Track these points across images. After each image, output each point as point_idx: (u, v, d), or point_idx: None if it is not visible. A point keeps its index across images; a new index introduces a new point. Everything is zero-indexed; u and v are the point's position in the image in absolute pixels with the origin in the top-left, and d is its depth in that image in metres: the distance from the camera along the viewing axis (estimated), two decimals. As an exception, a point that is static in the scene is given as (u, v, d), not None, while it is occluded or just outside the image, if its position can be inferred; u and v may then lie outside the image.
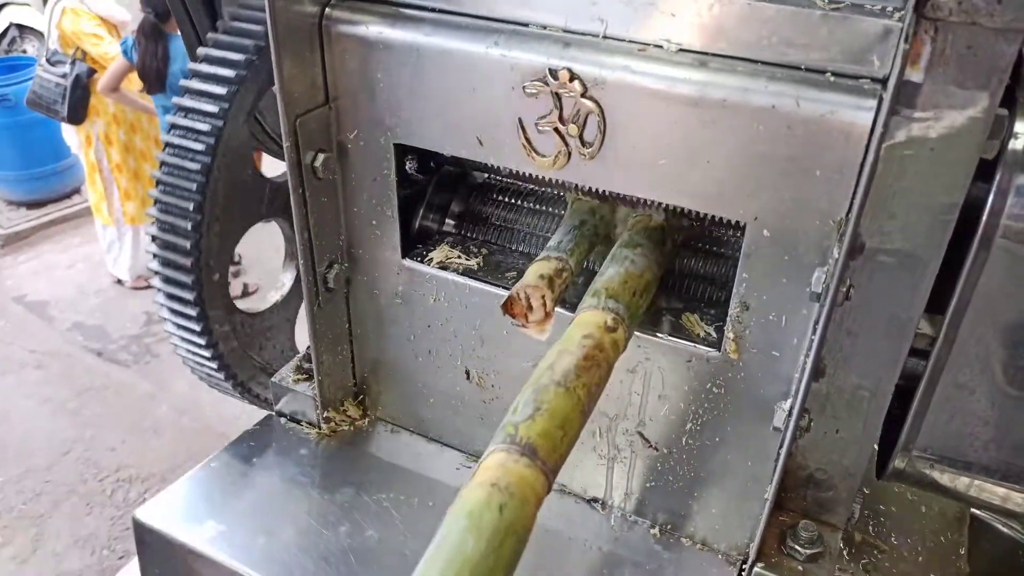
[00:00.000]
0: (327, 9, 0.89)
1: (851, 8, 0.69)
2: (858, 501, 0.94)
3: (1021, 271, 0.75)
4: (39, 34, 6.73)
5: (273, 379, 1.11)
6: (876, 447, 0.96)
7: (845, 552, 1.00)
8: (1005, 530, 1.46)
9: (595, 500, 1.03)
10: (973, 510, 1.45)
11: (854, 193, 0.71)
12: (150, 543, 0.95)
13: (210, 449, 1.07)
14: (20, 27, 6.89)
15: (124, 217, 4.79)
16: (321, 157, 0.92)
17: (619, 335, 0.79)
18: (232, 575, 0.90)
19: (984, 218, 0.74)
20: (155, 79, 4.01)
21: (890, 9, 0.69)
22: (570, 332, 0.78)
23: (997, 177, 0.73)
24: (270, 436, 1.09)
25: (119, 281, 5.16)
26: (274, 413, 1.13)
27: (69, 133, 4.67)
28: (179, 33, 4.34)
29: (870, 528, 1.06)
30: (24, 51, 6.63)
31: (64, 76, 4.29)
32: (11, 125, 5.30)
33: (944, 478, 0.91)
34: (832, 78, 0.71)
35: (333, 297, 1.03)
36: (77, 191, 5.75)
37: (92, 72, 4.33)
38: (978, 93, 0.66)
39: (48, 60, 4.35)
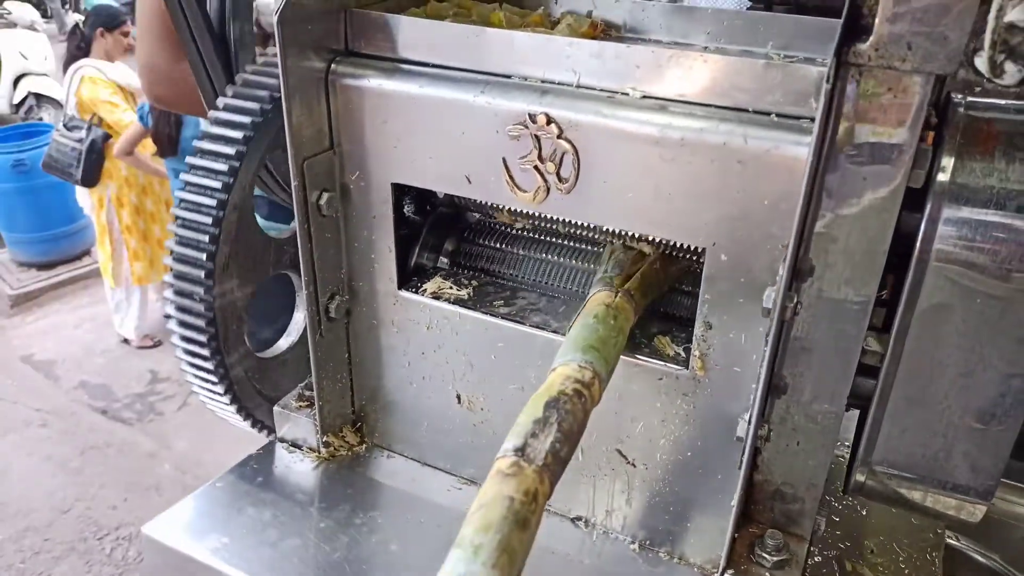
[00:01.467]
0: (333, 65, 1.00)
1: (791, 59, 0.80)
2: (823, 515, 1.00)
3: (955, 290, 0.83)
4: (56, 102, 7.02)
5: (276, 407, 1.19)
6: (846, 464, 1.03)
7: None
8: (983, 560, 1.51)
9: (578, 518, 1.10)
10: (948, 540, 1.50)
11: (796, 219, 0.80)
12: (156, 556, 1.01)
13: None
14: (38, 96, 7.17)
15: (132, 277, 4.91)
16: (325, 196, 1.02)
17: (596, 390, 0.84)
18: (235, 583, 0.96)
19: (918, 244, 0.83)
20: (168, 143, 4.18)
21: (824, 59, 0.79)
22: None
23: (928, 207, 0.82)
24: (272, 460, 1.16)
25: (125, 341, 5.25)
26: (276, 439, 1.20)
27: (83, 195, 4.84)
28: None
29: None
30: (41, 118, 6.89)
31: (80, 141, 4.47)
32: (26, 189, 5.47)
33: (902, 490, 0.97)
34: (776, 118, 0.81)
35: (334, 327, 1.12)
36: (87, 253, 5.89)
37: (107, 137, 4.51)
38: (899, 129, 0.75)
39: (65, 125, 4.54)
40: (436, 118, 0.95)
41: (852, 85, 0.74)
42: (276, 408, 1.18)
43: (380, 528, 1.05)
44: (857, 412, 0.98)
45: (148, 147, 4.54)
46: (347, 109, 1.00)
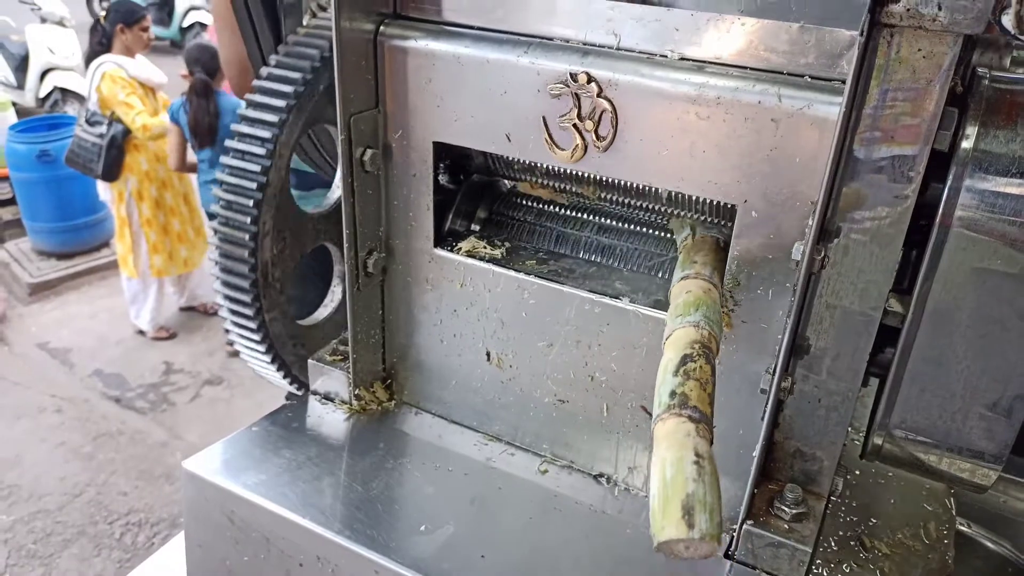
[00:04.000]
0: (381, 27, 1.04)
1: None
2: (840, 475, 1.03)
3: (975, 253, 0.87)
4: (80, 97, 7.12)
5: (310, 360, 1.23)
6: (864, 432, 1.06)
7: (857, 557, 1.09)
8: (992, 546, 1.53)
9: (601, 475, 1.13)
10: (960, 528, 1.52)
11: (826, 175, 0.83)
12: (195, 490, 1.05)
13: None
14: (63, 91, 7.29)
15: (151, 270, 4.98)
16: (369, 152, 1.06)
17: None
18: (270, 516, 0.99)
19: (941, 207, 0.86)
20: (207, 133, 4.29)
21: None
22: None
23: (951, 173, 0.86)
24: (305, 410, 1.20)
25: (140, 332, 5.30)
26: (310, 392, 1.24)
27: (103, 188, 4.91)
28: (224, 90, 4.60)
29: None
30: (65, 112, 7.00)
31: (101, 136, 4.55)
32: (49, 180, 5.56)
33: (918, 454, 1.00)
34: (809, 79, 0.85)
35: (370, 282, 1.16)
36: (106, 244, 5.97)
37: (127, 133, 4.58)
38: (928, 88, 0.79)
39: (87, 120, 4.62)
40: (479, 78, 0.99)
41: (884, 45, 0.78)
42: (311, 361, 1.22)
43: (409, 474, 1.09)
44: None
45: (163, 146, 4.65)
46: (393, 69, 1.04)
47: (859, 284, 0.89)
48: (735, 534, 0.99)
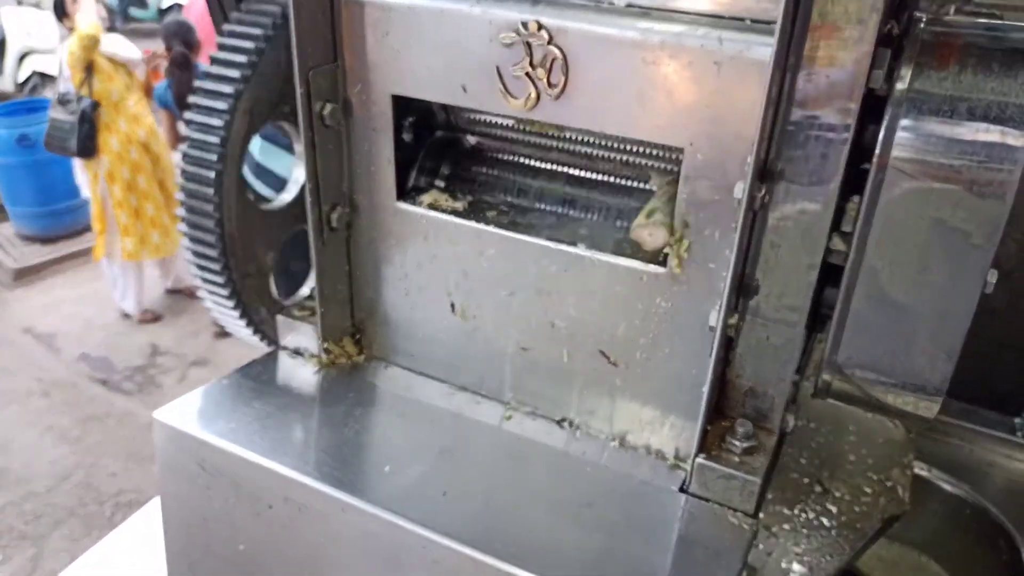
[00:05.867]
0: (338, -19, 1.06)
1: (765, -34, 0.86)
2: (791, 411, 1.07)
3: (911, 191, 0.90)
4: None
5: (279, 316, 1.25)
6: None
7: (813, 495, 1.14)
8: (951, 489, 1.58)
9: (563, 420, 1.16)
10: (918, 471, 1.57)
11: (761, 115, 0.86)
12: (167, 440, 1.08)
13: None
14: (42, 75, 7.23)
15: (123, 252, 4.96)
16: (328, 107, 1.09)
17: None
18: (239, 461, 1.02)
19: (878, 148, 0.90)
20: None
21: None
22: None
23: (887, 114, 0.89)
24: (275, 364, 1.23)
25: (126, 315, 5.31)
26: (280, 347, 1.26)
27: (80, 170, 4.90)
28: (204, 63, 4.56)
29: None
30: (44, 96, 6.95)
31: (73, 113, 4.53)
32: (30, 164, 5.55)
33: (865, 388, 1.04)
34: (749, 23, 0.88)
35: (335, 237, 1.18)
36: (89, 228, 5.95)
37: (96, 105, 4.56)
38: (859, 27, 0.82)
39: (59, 101, 4.61)
40: (434, 29, 1.01)
41: (817, -15, 0.81)
42: (279, 317, 1.25)
43: (377, 421, 1.12)
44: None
45: (142, 122, 4.63)
46: (351, 23, 1.06)
47: (801, 223, 0.93)
48: (689, 469, 1.03)
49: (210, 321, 5.18)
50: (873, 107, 0.89)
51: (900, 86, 0.88)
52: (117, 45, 4.65)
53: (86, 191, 4.98)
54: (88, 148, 4.63)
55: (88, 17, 4.62)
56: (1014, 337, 1.99)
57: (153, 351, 5.12)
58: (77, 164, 4.85)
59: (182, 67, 4.33)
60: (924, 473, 1.57)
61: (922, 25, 0.91)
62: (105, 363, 5.02)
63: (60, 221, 5.86)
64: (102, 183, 4.79)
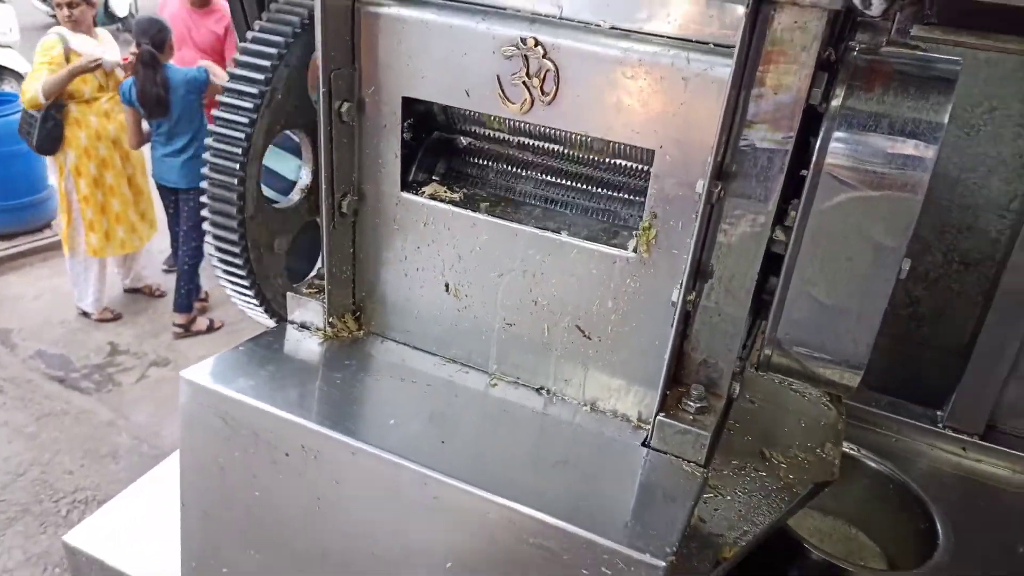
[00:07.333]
0: (359, -4, 1.22)
1: (726, -1, 1.04)
2: (738, 380, 1.24)
3: (840, 192, 1.08)
4: (18, 75, 7.02)
5: (288, 293, 1.39)
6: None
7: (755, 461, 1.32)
8: (875, 465, 1.78)
9: (542, 388, 1.32)
10: (846, 450, 1.77)
11: (720, 125, 1.04)
12: (191, 396, 1.21)
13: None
14: (1, 68, 7.17)
15: (88, 248, 4.96)
16: (346, 105, 1.24)
17: None
18: (259, 413, 1.16)
19: (815, 155, 1.08)
20: (156, 104, 4.31)
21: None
22: None
23: (823, 127, 1.07)
24: (283, 336, 1.37)
25: (84, 314, 5.29)
26: (288, 322, 1.40)
27: (49, 162, 4.90)
28: (172, 63, 4.60)
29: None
30: (2, 89, 6.90)
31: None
32: (-12, 159, 5.50)
33: (801, 361, 1.22)
34: (713, 46, 1.06)
35: (344, 222, 1.33)
36: (48, 225, 5.93)
37: (61, 106, 4.59)
38: (803, 53, 1.00)
39: None
40: (443, 41, 1.18)
41: (766, 17, 0.99)
42: (289, 294, 1.39)
43: (378, 385, 1.27)
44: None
45: (114, 118, 4.66)
46: (368, 32, 1.22)
47: (747, 216, 1.10)
48: (651, 426, 1.20)
49: (170, 322, 5.20)
50: (812, 121, 1.07)
51: (835, 103, 1.07)
52: (90, 45, 4.67)
53: (53, 180, 4.98)
54: (46, 147, 4.64)
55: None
56: (939, 339, 2.22)
57: (112, 350, 5.11)
58: (49, 158, 4.86)
59: (147, 65, 4.28)
60: (854, 452, 1.77)
61: (855, 53, 1.10)
62: (62, 360, 4.99)
63: (19, 217, 5.82)
64: (68, 178, 4.79)
